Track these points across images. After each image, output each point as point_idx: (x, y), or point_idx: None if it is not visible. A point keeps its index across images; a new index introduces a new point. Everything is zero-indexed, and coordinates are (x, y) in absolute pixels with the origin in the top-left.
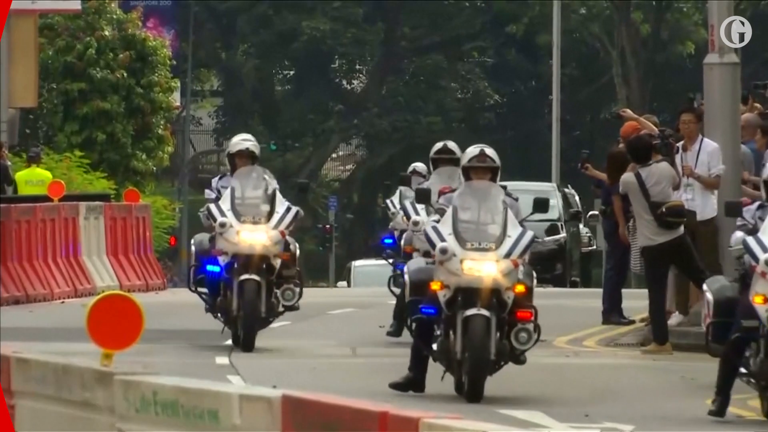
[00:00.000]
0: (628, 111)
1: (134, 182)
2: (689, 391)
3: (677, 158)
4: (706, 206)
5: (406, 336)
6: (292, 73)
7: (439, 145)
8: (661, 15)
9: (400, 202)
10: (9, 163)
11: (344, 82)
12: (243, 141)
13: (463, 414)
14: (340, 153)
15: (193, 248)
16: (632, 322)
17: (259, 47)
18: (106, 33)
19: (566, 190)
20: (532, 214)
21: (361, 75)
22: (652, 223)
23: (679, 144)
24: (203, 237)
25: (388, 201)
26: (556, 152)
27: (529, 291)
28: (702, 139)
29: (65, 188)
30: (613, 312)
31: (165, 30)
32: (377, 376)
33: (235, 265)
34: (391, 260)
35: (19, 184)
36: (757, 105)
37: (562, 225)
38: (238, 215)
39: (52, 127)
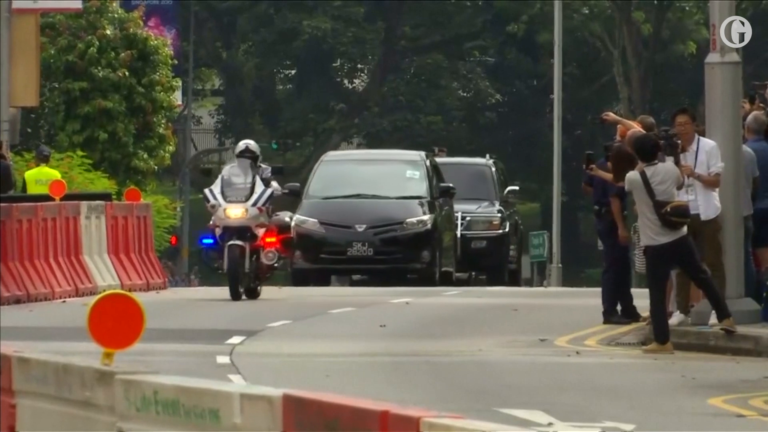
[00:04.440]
0: (611, 114)
1: (135, 181)
2: (690, 390)
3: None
4: (708, 206)
5: (407, 336)
6: (293, 72)
7: None
8: (663, 14)
9: (223, 190)
10: (11, 162)
11: (345, 81)
12: None
13: (464, 413)
14: None
15: None
16: (637, 320)
17: (260, 46)
18: (108, 32)
19: (437, 159)
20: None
21: (361, 74)
22: (656, 222)
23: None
24: None
25: (206, 191)
26: (558, 151)
27: None
28: (699, 139)
29: (66, 187)
30: (613, 311)
31: (166, 29)
32: (378, 375)
33: None
34: (216, 264)
35: (28, 183)
36: (761, 104)
37: (429, 203)
38: None
39: (53, 126)
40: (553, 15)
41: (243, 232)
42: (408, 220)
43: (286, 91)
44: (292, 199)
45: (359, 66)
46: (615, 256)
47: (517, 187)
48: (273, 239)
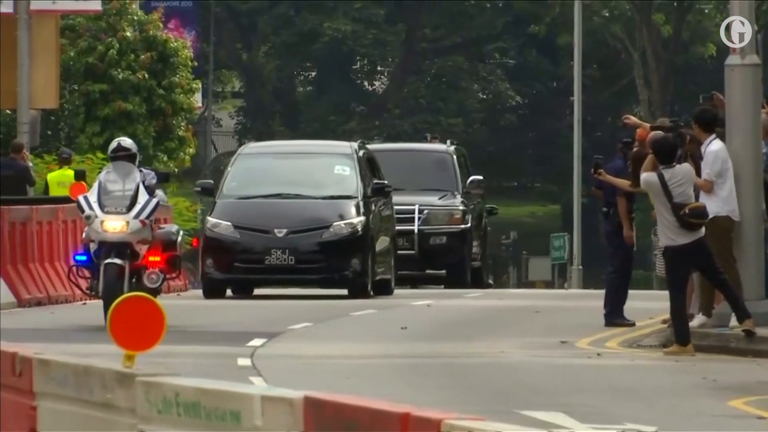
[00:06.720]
0: (632, 118)
1: None
2: (711, 392)
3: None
4: (707, 207)
5: (428, 338)
6: (313, 74)
7: None
8: (683, 16)
9: (100, 199)
10: (31, 164)
11: (365, 83)
12: None
13: (485, 415)
14: None
15: None
16: (633, 324)
17: (280, 48)
18: (128, 34)
19: (369, 147)
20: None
21: (382, 76)
22: (674, 224)
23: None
24: None
25: (80, 198)
26: (578, 153)
27: None
28: (710, 142)
29: (86, 189)
30: (615, 313)
31: (186, 31)
32: (399, 377)
33: None
34: (88, 288)
35: (51, 186)
36: None
37: (362, 203)
38: None
39: (73, 128)
40: (573, 17)
41: (122, 248)
42: (335, 223)
43: (306, 93)
44: (207, 200)
45: (379, 68)
46: (621, 257)
47: (481, 177)
48: (157, 258)
